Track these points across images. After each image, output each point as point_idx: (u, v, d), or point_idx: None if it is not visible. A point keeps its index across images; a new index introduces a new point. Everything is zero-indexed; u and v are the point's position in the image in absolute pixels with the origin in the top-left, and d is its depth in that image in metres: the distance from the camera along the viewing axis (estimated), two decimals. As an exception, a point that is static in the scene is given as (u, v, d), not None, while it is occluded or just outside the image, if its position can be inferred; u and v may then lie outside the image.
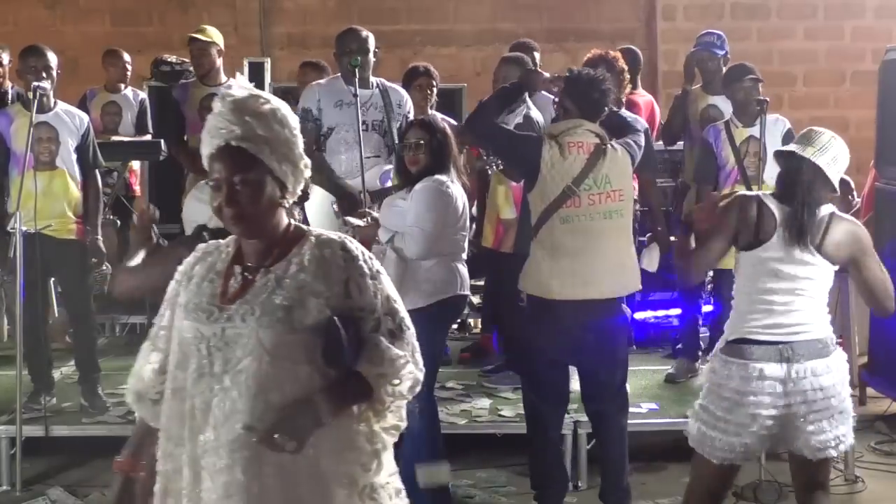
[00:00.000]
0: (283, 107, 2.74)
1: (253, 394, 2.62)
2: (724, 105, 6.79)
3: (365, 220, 5.10)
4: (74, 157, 6.12)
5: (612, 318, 4.96)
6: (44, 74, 5.96)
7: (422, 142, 4.99)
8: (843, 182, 9.27)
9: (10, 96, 7.22)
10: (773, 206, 3.95)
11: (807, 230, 3.90)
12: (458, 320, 8.38)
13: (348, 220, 5.21)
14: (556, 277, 4.79)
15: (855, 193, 9.33)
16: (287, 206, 2.76)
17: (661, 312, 7.68)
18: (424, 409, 4.97)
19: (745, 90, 6.36)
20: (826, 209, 3.98)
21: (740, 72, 6.48)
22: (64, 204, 6.07)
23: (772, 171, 6.18)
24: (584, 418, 5.52)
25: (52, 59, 6.05)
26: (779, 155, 4.08)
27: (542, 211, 4.87)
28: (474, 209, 7.30)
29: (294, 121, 2.75)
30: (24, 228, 5.68)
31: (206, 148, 2.70)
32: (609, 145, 4.94)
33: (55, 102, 6.12)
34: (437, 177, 4.93)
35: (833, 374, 3.95)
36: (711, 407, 3.98)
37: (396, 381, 2.79)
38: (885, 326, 6.82)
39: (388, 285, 2.80)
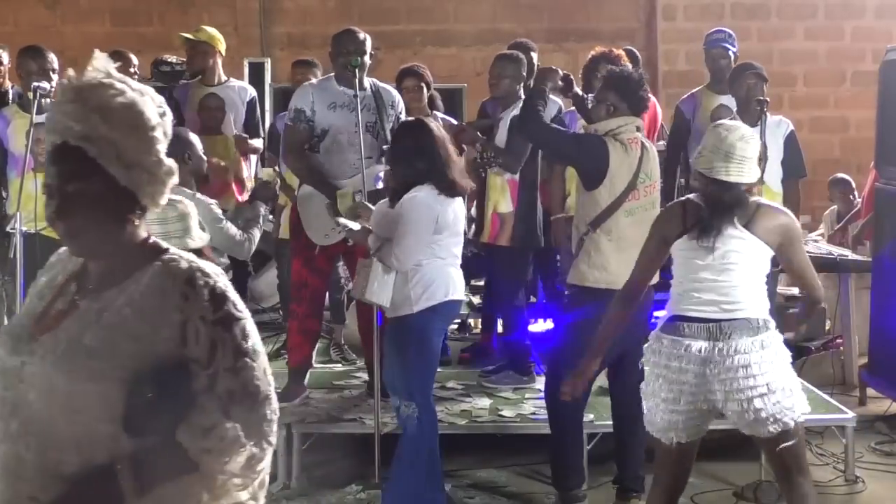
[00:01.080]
0: (143, 100, 2.23)
1: (42, 451, 2.13)
2: (734, 104, 6.77)
3: (360, 223, 5.11)
4: None
5: (652, 303, 5.26)
6: (45, 75, 5.95)
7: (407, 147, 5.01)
8: (843, 181, 9.34)
9: (10, 96, 7.21)
10: (699, 200, 4.11)
11: (712, 228, 4.04)
12: (458, 321, 8.41)
13: (340, 222, 5.21)
14: (625, 268, 4.90)
15: (856, 193, 9.35)
16: (138, 220, 2.26)
17: (662, 312, 7.67)
18: (422, 414, 4.97)
19: (748, 87, 6.34)
20: (753, 199, 4.15)
21: (745, 68, 6.48)
22: None
23: (772, 172, 6.24)
24: (586, 418, 5.52)
25: (52, 59, 6.04)
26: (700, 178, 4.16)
27: (607, 206, 5.05)
28: (473, 210, 7.31)
29: (155, 118, 2.24)
30: (23, 229, 5.67)
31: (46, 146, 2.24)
32: (645, 139, 5.21)
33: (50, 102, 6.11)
34: (426, 186, 4.88)
35: (760, 352, 3.99)
36: (649, 386, 4.11)
37: (225, 459, 2.15)
38: (885, 327, 6.82)
39: (241, 334, 2.20)
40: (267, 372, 2.23)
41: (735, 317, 4.02)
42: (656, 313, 6.65)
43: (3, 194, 6.13)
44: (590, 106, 5.61)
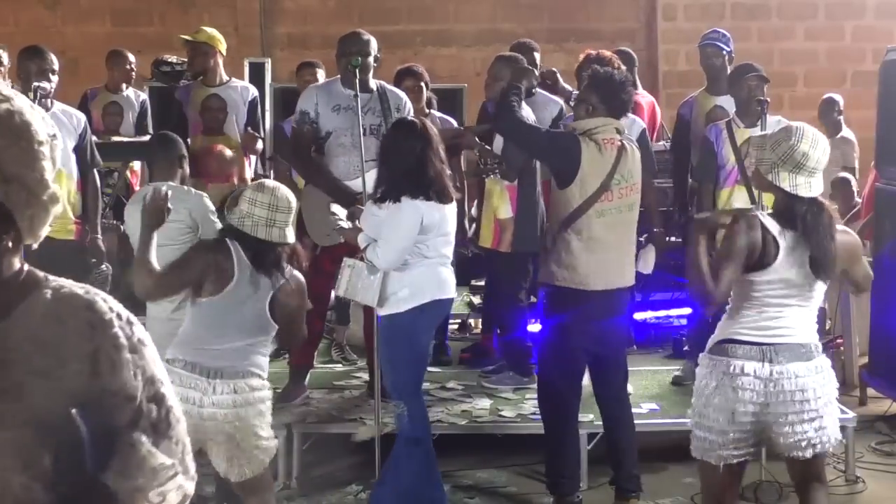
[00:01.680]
0: (33, 113, 1.97)
1: None
2: (730, 105, 6.78)
3: (354, 222, 5.12)
4: (73, 157, 6.12)
5: (629, 304, 5.32)
6: (45, 75, 5.96)
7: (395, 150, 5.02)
8: (844, 181, 9.33)
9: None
10: (772, 226, 3.93)
11: (826, 265, 3.94)
12: (459, 321, 8.41)
13: (336, 221, 5.22)
14: (594, 269, 4.99)
15: (855, 193, 9.34)
16: (11, 247, 1.99)
17: (661, 313, 7.68)
18: (412, 412, 4.99)
19: (749, 87, 6.34)
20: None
21: (746, 69, 6.48)
22: (63, 204, 6.06)
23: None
24: (586, 418, 5.53)
25: (53, 60, 6.04)
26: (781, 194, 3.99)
27: (578, 206, 5.03)
28: (474, 210, 7.31)
29: (44, 135, 1.99)
30: None
31: None
32: (625, 141, 5.16)
33: (52, 103, 6.12)
34: (411, 189, 4.88)
35: (815, 377, 3.99)
36: (699, 407, 4.04)
37: (158, 498, 1.91)
38: (886, 327, 6.82)
39: (153, 359, 1.97)
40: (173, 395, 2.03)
41: (788, 342, 3.98)
42: (647, 314, 6.69)
43: None
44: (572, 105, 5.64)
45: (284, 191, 4.35)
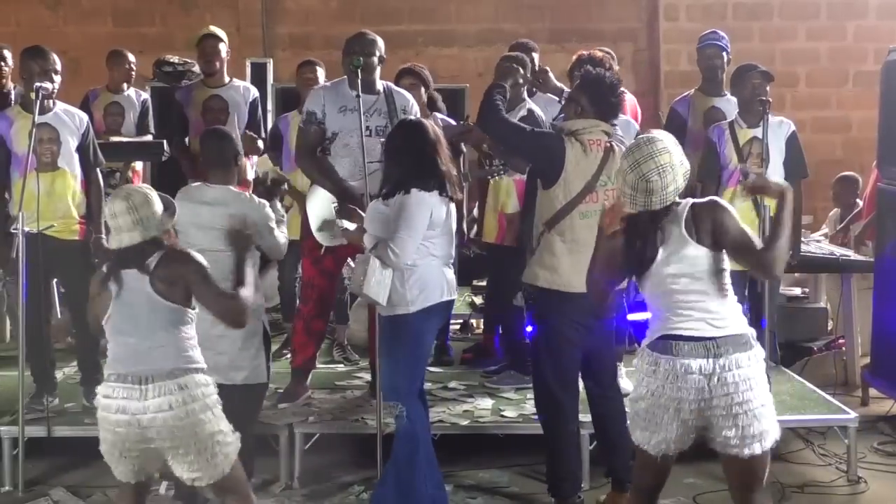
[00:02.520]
0: None
1: None
2: (727, 106, 6.77)
3: (355, 223, 5.11)
4: (76, 157, 6.12)
5: (619, 305, 5.31)
6: (47, 76, 5.96)
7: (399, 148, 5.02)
8: (847, 179, 9.31)
9: (12, 97, 7.22)
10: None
11: (648, 259, 3.98)
12: (461, 321, 8.42)
13: (338, 223, 5.22)
14: (577, 271, 4.92)
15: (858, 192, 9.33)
16: None
17: (639, 315, 7.67)
18: (412, 412, 5.00)
19: (753, 85, 6.33)
20: (683, 203, 4.02)
21: (749, 68, 6.47)
22: (67, 204, 6.07)
23: (774, 172, 6.23)
24: (586, 419, 5.52)
25: (55, 60, 6.04)
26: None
27: (561, 207, 5.02)
28: (475, 211, 7.31)
29: None
30: (26, 229, 5.67)
31: None
32: (615, 143, 5.12)
33: (55, 103, 6.12)
34: (417, 186, 4.91)
35: (753, 367, 3.97)
36: (641, 403, 4.03)
37: None
38: (887, 327, 6.82)
39: None
40: None
41: (728, 333, 3.97)
42: (645, 315, 6.70)
43: (7, 195, 6.13)
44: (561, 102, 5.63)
45: (119, 194, 4.24)
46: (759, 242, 4.02)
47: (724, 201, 4.13)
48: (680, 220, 3.98)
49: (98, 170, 6.30)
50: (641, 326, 7.49)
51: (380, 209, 4.98)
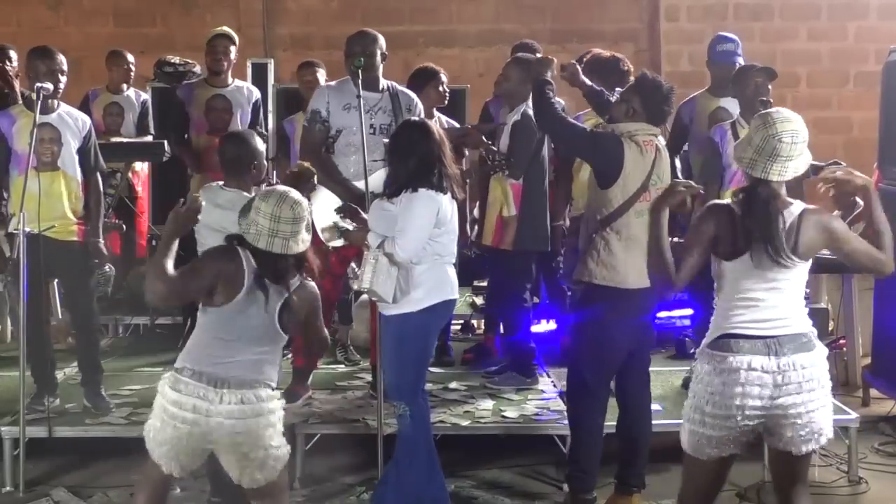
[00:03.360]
0: None
1: None
2: (734, 107, 6.75)
3: (355, 224, 5.09)
4: (76, 159, 6.12)
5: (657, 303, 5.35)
6: (53, 76, 5.97)
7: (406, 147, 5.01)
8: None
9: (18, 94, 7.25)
10: (737, 208, 3.98)
11: (780, 246, 3.90)
12: (462, 321, 8.42)
13: (338, 224, 5.20)
14: (633, 268, 5.00)
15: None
16: None
17: (664, 313, 7.68)
18: (414, 412, 5.00)
19: (756, 85, 6.31)
20: (796, 208, 3.99)
21: (752, 67, 6.46)
22: (65, 205, 6.07)
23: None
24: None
25: (61, 60, 6.05)
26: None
27: (619, 206, 5.07)
28: (476, 211, 7.31)
29: None
30: (26, 229, 5.67)
31: None
32: (660, 143, 5.23)
33: (58, 104, 6.12)
34: (423, 185, 4.92)
35: (817, 367, 3.97)
36: (699, 404, 3.99)
37: None
38: (888, 328, 6.82)
39: None
40: None
41: (789, 332, 3.95)
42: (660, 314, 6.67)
43: (5, 195, 6.13)
44: (612, 100, 5.59)
45: (291, 200, 4.21)
46: (873, 250, 4.01)
47: (833, 217, 4.08)
48: (784, 222, 3.93)
49: (98, 173, 6.30)
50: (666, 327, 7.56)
51: (385, 207, 4.98)
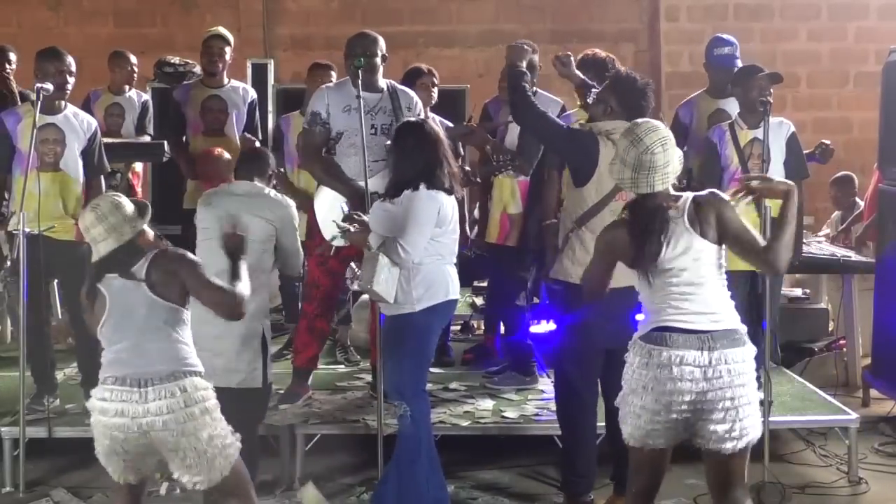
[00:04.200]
0: None
1: None
2: (733, 108, 6.74)
3: (354, 225, 5.09)
4: (80, 160, 6.12)
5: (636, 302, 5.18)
6: (62, 77, 5.98)
7: (406, 147, 5.02)
8: (845, 178, 9.31)
9: (15, 97, 7.25)
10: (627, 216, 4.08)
11: (653, 253, 4.00)
12: (462, 322, 8.41)
13: (339, 225, 5.19)
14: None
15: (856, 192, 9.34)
16: None
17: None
18: (415, 412, 5.00)
19: (760, 87, 6.29)
20: (684, 197, 4.05)
21: (754, 70, 6.44)
22: (65, 206, 6.08)
23: (775, 173, 6.22)
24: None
25: (70, 61, 6.06)
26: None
27: (594, 204, 5.06)
28: (476, 212, 7.31)
29: None
30: (27, 230, 5.67)
31: None
32: None
33: (65, 105, 6.14)
34: (424, 184, 4.94)
35: (745, 363, 3.99)
36: (632, 396, 4.03)
37: None
38: (889, 328, 6.82)
39: None
40: None
41: (722, 328, 3.99)
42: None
43: (6, 195, 6.14)
44: (589, 100, 5.60)
45: (84, 210, 4.30)
46: (761, 239, 4.05)
47: (723, 194, 4.15)
48: (683, 213, 4.00)
49: (101, 176, 6.30)
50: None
51: (386, 208, 4.99)
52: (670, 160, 4.01)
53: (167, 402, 4.05)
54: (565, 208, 5.28)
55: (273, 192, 5.66)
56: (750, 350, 4.03)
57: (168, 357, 4.12)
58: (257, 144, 7.37)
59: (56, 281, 6.62)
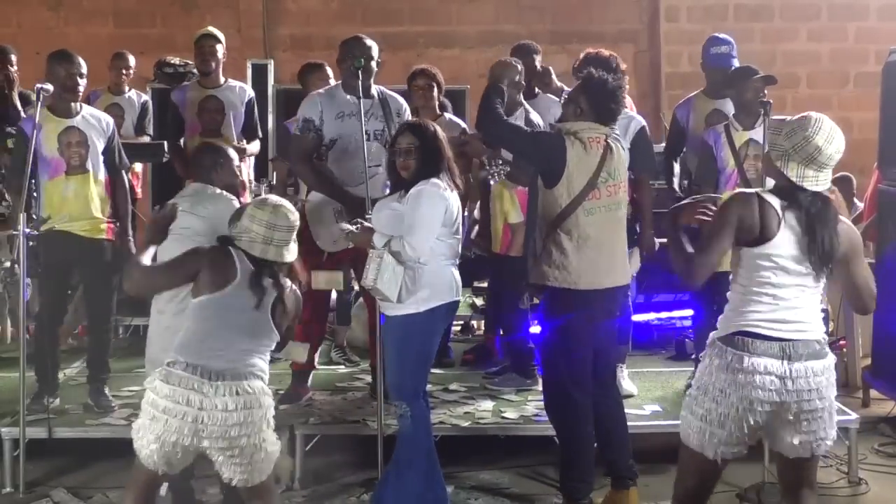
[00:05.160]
0: None
1: None
2: (730, 109, 6.72)
3: (357, 226, 5.08)
4: (101, 159, 6.15)
5: (625, 303, 5.32)
6: (74, 79, 5.99)
7: (413, 146, 4.99)
8: (843, 179, 9.33)
9: (16, 99, 7.25)
10: (773, 202, 3.89)
11: (831, 257, 3.89)
12: (462, 322, 8.42)
13: (342, 227, 5.18)
14: (585, 268, 4.99)
15: (855, 193, 9.35)
16: None
17: (664, 314, 7.68)
18: (415, 413, 4.99)
19: (755, 90, 6.29)
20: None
21: (750, 72, 6.44)
22: (94, 206, 6.09)
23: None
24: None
25: (81, 64, 6.07)
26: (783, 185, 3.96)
27: (566, 205, 5.03)
28: (476, 213, 7.31)
29: None
30: (53, 227, 5.72)
31: None
32: (613, 140, 5.14)
33: (81, 106, 6.16)
34: (432, 180, 4.94)
35: (826, 376, 3.95)
36: (705, 398, 3.95)
37: None
38: (889, 328, 6.81)
39: None
40: None
41: (805, 338, 3.91)
42: (649, 315, 6.64)
43: (34, 197, 6.15)
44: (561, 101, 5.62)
45: (285, 209, 4.31)
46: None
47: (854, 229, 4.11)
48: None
49: (123, 172, 6.33)
50: (644, 328, 7.56)
51: (392, 207, 4.98)
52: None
53: (233, 399, 4.10)
54: (539, 212, 5.21)
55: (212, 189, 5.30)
56: (831, 360, 3.97)
57: (244, 359, 4.20)
58: (256, 144, 7.37)
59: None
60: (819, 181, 3.89)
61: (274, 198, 4.44)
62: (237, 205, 4.98)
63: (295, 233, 4.33)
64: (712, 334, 4.04)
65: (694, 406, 3.99)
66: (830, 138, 3.91)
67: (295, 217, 4.33)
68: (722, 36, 7.11)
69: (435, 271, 4.94)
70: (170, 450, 4.13)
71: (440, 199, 4.90)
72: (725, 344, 3.93)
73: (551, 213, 5.08)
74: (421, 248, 4.85)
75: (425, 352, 5.07)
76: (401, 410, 5.02)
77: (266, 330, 4.27)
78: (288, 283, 4.33)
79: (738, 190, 4.19)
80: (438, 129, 5.12)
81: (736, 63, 6.84)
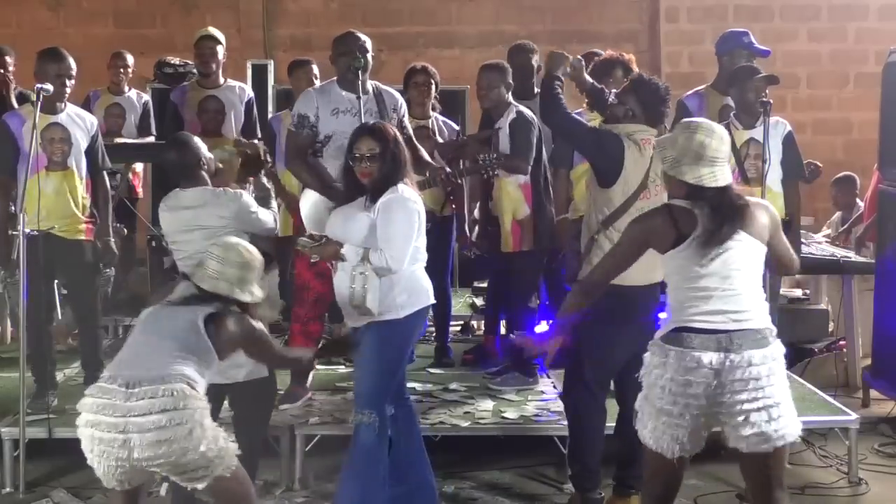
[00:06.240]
0: None
1: None
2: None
3: (322, 239, 4.92)
4: (84, 158, 6.15)
5: (658, 300, 5.28)
6: (62, 79, 5.99)
7: (374, 152, 4.78)
8: (846, 179, 9.32)
9: (13, 98, 7.24)
10: (684, 204, 4.02)
11: (721, 237, 3.97)
12: (462, 322, 8.41)
13: (301, 241, 5.00)
14: (637, 265, 4.93)
15: (857, 193, 9.34)
16: None
17: (664, 315, 7.66)
18: (382, 422, 4.82)
19: (757, 89, 6.29)
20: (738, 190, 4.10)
21: (751, 71, 6.44)
22: (74, 204, 6.10)
23: (773, 173, 6.22)
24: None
25: (71, 63, 6.08)
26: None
27: (620, 205, 5.08)
28: (476, 212, 7.29)
29: None
30: (29, 230, 5.68)
31: None
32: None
33: (65, 105, 6.16)
34: (399, 187, 4.77)
35: (769, 364, 3.95)
36: (652, 398, 3.99)
37: None
38: (889, 329, 6.82)
39: None
40: None
41: (744, 328, 3.94)
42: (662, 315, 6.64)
43: (13, 194, 6.15)
44: (609, 101, 5.58)
45: (242, 247, 4.39)
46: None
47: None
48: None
49: (104, 172, 6.33)
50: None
51: (357, 218, 4.79)
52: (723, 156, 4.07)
53: (148, 402, 3.98)
54: (589, 210, 5.25)
55: (219, 191, 5.30)
56: (774, 350, 3.99)
57: (169, 364, 4.11)
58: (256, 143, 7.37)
59: (56, 281, 6.62)
60: (717, 177, 4.00)
61: (232, 238, 4.52)
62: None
63: (252, 273, 4.35)
64: (656, 335, 4.11)
65: (645, 407, 4.04)
66: (710, 131, 4.05)
67: (251, 255, 4.39)
68: (738, 30, 7.16)
69: (411, 276, 4.85)
70: (112, 464, 4.02)
71: (414, 206, 4.78)
72: (665, 342, 4.01)
73: (604, 211, 5.12)
74: (402, 259, 4.73)
75: (401, 359, 4.94)
76: (368, 420, 4.80)
77: (200, 343, 4.15)
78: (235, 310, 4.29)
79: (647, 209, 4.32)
80: (397, 132, 4.98)
81: (754, 41, 6.87)
